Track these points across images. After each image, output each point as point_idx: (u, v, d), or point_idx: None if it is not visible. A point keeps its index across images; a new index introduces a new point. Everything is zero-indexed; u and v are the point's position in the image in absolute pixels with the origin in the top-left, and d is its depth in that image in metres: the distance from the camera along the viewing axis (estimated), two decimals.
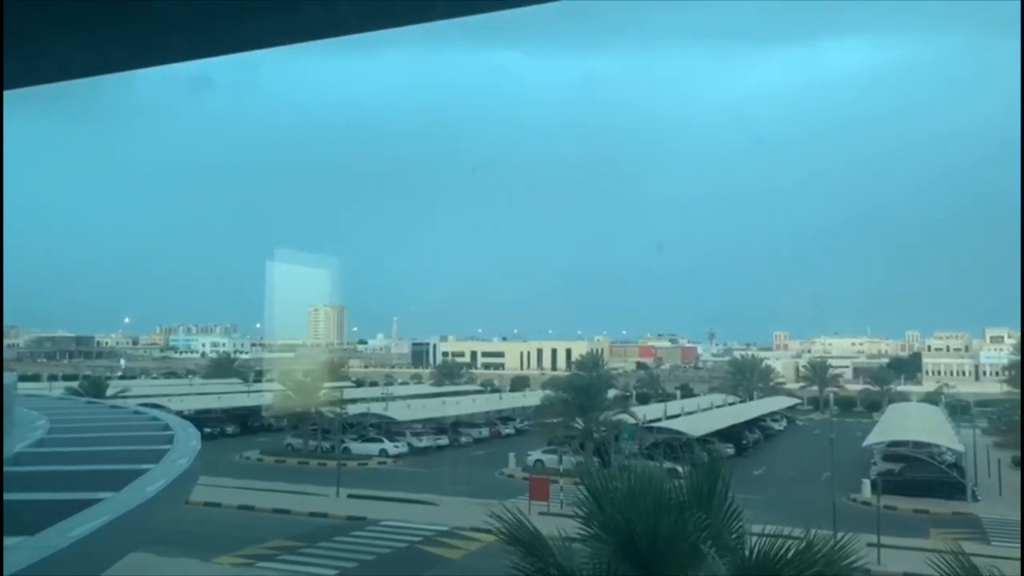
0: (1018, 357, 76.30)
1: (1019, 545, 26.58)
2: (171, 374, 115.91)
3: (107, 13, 2.21)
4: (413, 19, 2.21)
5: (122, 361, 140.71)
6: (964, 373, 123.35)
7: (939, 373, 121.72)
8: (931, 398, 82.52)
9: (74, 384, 64.25)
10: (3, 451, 14.00)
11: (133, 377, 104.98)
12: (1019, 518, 33.19)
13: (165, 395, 61.32)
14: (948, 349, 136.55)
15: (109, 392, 58.49)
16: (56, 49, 2.34)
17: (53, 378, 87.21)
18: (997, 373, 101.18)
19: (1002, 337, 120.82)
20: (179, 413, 37.68)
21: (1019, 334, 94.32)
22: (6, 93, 2.52)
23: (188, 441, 18.15)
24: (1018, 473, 46.57)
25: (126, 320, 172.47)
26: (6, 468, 12.79)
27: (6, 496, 8.82)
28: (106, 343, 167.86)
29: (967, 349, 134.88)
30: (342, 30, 2.29)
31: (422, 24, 2.26)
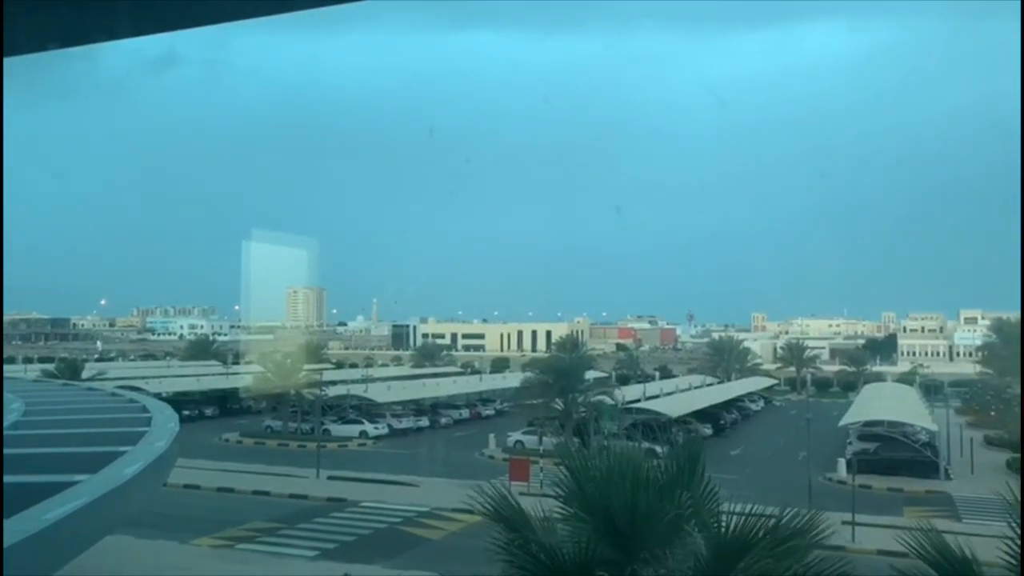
0: (992, 338, 77.40)
1: (990, 521, 27.09)
2: (149, 356, 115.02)
3: None
4: None
5: (99, 343, 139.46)
6: (938, 354, 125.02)
7: (914, 354, 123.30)
8: (906, 378, 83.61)
9: (50, 366, 63.60)
10: (2, 434, 13.86)
11: (110, 359, 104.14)
12: (990, 496, 33.81)
13: (143, 377, 60.85)
14: (923, 330, 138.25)
15: (85, 374, 57.97)
16: (57, 17, 2.30)
17: (28, 360, 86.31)
18: (971, 354, 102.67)
19: (976, 318, 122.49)
20: (157, 395, 37.41)
21: (992, 315, 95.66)
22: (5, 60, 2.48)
23: (166, 423, 18.07)
24: (990, 452, 47.45)
25: (102, 302, 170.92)
26: None
27: None
28: (82, 325, 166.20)
29: (942, 330, 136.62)
30: (326, 1, 2.27)
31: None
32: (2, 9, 2.19)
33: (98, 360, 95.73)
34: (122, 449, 13.49)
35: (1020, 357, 52.76)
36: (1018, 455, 42.89)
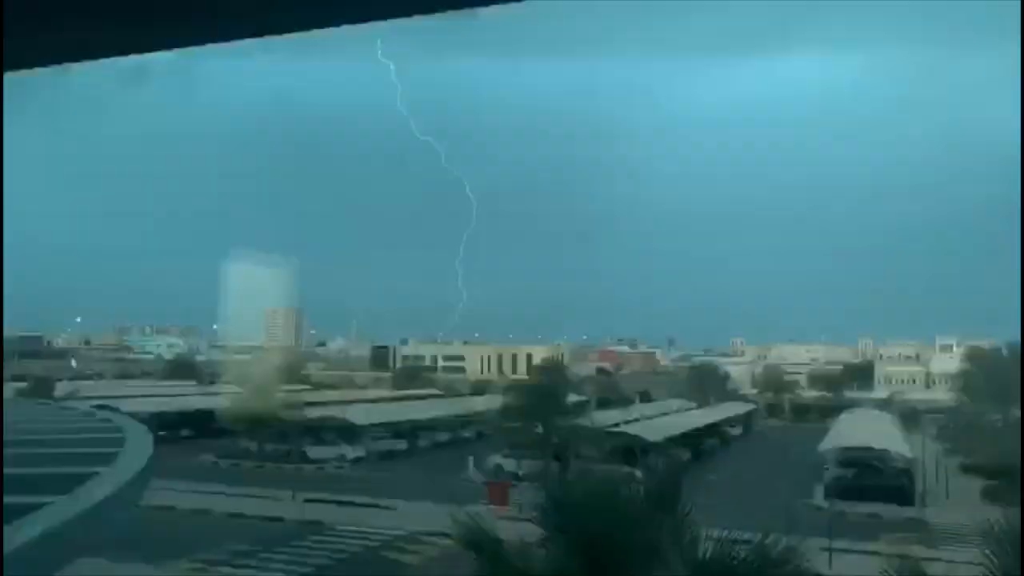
0: (967, 365, 78.27)
1: (965, 548, 27.24)
2: (125, 375, 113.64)
3: None
4: (383, 15, 2.23)
5: (73, 362, 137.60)
6: (915, 381, 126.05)
7: (891, 381, 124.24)
8: (883, 405, 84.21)
9: (22, 385, 62.66)
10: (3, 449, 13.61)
11: (85, 378, 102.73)
12: (965, 522, 34.01)
13: (118, 397, 60.02)
14: (900, 357, 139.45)
15: (59, 393, 57.18)
16: (58, 32, 2.32)
17: None
18: (947, 381, 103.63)
19: (952, 346, 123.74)
20: (132, 415, 36.91)
21: (968, 343, 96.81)
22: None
23: (140, 444, 17.84)
24: (966, 479, 47.75)
25: (78, 319, 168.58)
26: None
27: None
28: (57, 343, 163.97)
29: (918, 357, 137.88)
30: (314, 24, 2.30)
31: (387, 22, 2.29)
32: (2, 24, 2.21)
33: (73, 379, 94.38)
34: (95, 470, 13.30)
35: (1020, 380, 53.03)
36: (993, 482, 43.28)
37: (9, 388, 61.19)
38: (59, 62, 2.47)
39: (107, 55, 2.51)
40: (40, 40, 2.33)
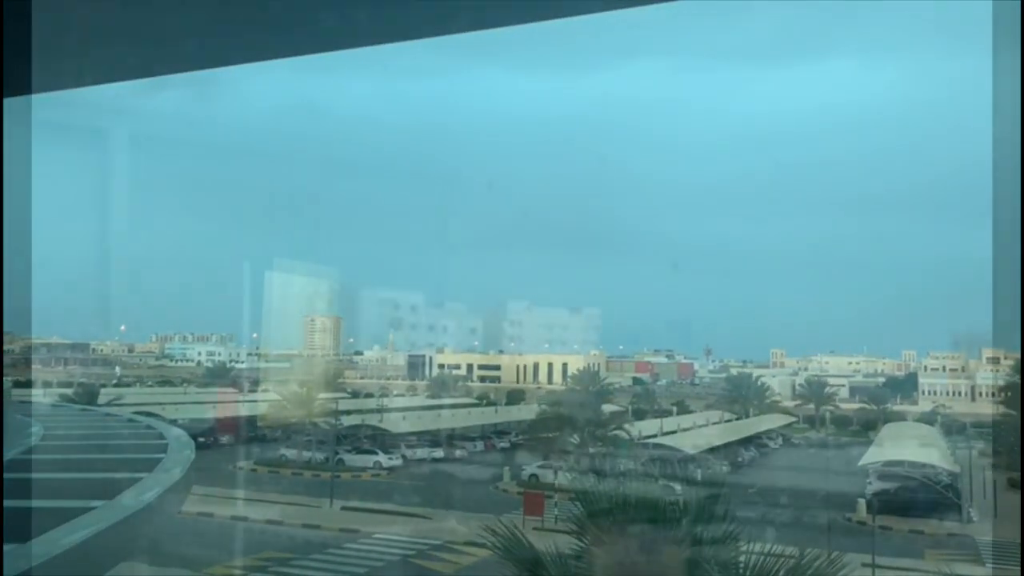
0: (1015, 378, 76.28)
1: (1015, 566, 26.51)
2: (166, 382, 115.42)
3: (117, 22, 2.21)
4: (429, 32, 2.22)
5: (117, 369, 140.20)
6: (960, 393, 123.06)
7: (935, 393, 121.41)
8: (927, 418, 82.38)
9: (68, 391, 64.01)
10: (3, 454, 13.93)
11: (128, 385, 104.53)
12: (1016, 540, 33.09)
13: (159, 403, 61.01)
14: (945, 369, 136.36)
15: (103, 400, 58.31)
16: (59, 58, 2.33)
17: (47, 385, 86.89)
18: (993, 394, 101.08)
19: (999, 358, 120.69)
20: (173, 422, 37.52)
21: (1016, 355, 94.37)
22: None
23: (181, 450, 18.12)
24: (1013, 495, 46.52)
25: (122, 328, 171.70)
26: None
27: None
28: (101, 350, 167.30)
29: (963, 370, 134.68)
30: (358, 42, 2.29)
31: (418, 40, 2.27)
32: (2, 50, 2.23)
33: (116, 385, 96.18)
34: (138, 476, 13.52)
35: (1020, 386, 51.88)
36: None
37: (55, 394, 62.63)
38: (62, 87, 2.48)
39: (117, 79, 2.52)
40: (44, 65, 2.35)
